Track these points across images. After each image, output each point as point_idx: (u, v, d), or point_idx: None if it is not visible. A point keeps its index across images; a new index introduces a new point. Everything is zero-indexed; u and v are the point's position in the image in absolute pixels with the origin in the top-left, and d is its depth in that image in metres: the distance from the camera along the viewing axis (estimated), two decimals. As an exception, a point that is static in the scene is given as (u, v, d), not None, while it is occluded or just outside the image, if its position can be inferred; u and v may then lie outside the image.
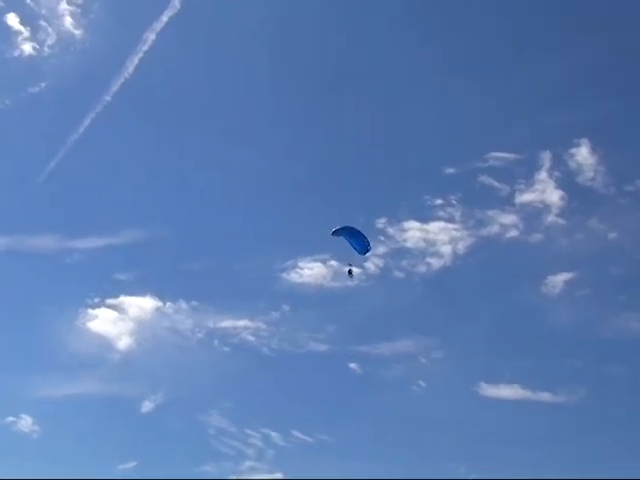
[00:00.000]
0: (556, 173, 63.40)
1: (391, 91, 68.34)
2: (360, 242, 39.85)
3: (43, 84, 66.79)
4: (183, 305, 62.86)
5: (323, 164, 69.58)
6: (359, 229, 40.04)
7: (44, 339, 62.44)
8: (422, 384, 59.70)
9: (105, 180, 69.46)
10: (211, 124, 69.88)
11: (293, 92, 69.40)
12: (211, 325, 62.23)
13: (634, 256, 61.95)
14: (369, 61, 69.50)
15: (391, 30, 68.86)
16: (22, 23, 66.05)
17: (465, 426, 56.81)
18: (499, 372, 59.40)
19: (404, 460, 55.78)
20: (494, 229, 63.09)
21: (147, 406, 59.01)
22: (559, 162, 63.35)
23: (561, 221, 62.87)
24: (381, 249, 62.21)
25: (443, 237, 63.27)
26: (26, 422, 58.16)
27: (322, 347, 61.16)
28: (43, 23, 66.37)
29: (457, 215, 63.75)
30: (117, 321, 62.22)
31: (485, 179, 63.80)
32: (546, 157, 63.49)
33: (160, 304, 62.64)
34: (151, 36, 63.40)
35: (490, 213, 63.50)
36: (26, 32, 66.17)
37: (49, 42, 66.05)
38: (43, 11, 66.61)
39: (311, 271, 62.92)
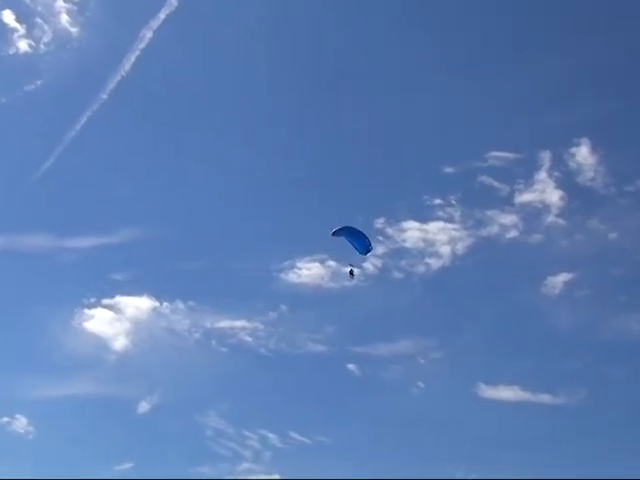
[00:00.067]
0: (556, 173, 63.60)
1: (390, 90, 68.47)
2: (361, 242, 39.78)
3: (39, 82, 66.66)
4: (180, 305, 62.87)
5: (321, 163, 69.81)
6: (359, 229, 39.92)
7: (39, 339, 62.47)
8: (421, 385, 59.82)
9: (101, 179, 69.34)
10: (208, 123, 69.98)
11: (291, 90, 69.47)
12: (208, 325, 62.24)
13: (634, 257, 62.16)
14: (368, 60, 69.71)
15: (390, 29, 69.10)
16: (18, 20, 66.09)
17: (464, 428, 56.84)
18: (498, 373, 59.48)
19: (403, 462, 55.72)
20: (494, 229, 63.21)
21: (143, 407, 59.01)
22: (559, 162, 63.58)
23: (561, 221, 63.04)
24: (380, 249, 62.12)
25: (442, 237, 63.36)
26: (21, 423, 58.10)
27: (320, 348, 61.25)
28: (39, 20, 66.33)
29: (456, 215, 63.85)
30: (113, 321, 62.21)
31: (485, 179, 63.95)
32: (546, 157, 63.69)
33: (157, 304, 62.68)
34: (148, 34, 63.48)
35: (490, 213, 63.63)
36: (22, 29, 66.25)
37: (45, 40, 66.10)
38: (39, 8, 66.65)
39: (309, 271, 63.06)
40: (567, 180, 63.21)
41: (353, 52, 69.49)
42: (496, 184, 63.54)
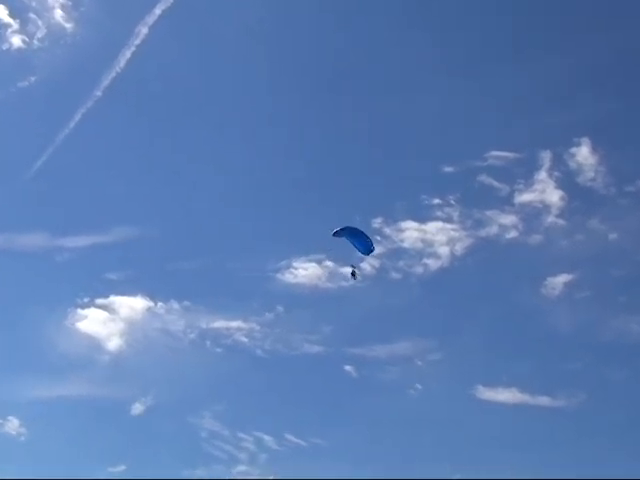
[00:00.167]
0: (556, 173, 63.61)
1: (389, 89, 68.57)
2: (363, 242, 39.66)
3: (33, 78, 66.55)
4: (175, 305, 62.78)
5: (318, 162, 69.69)
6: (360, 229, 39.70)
7: (32, 339, 62.20)
8: (419, 387, 59.78)
9: (96, 177, 69.35)
10: (204, 121, 69.87)
11: (288, 89, 69.34)
12: (203, 326, 62.20)
13: (635, 257, 62.19)
14: (367, 59, 69.82)
15: (389, 29, 69.13)
16: (11, 15, 65.89)
17: (462, 430, 56.80)
18: (497, 375, 59.50)
19: (400, 465, 55.51)
20: (493, 230, 63.16)
21: (137, 408, 58.92)
22: (559, 162, 63.60)
23: (561, 222, 62.99)
24: (377, 249, 60.10)
25: (441, 237, 63.28)
26: (13, 424, 57.99)
27: (317, 349, 61.21)
28: (33, 16, 66.17)
29: (455, 215, 63.79)
30: (107, 321, 62.11)
31: (484, 179, 63.89)
32: (546, 157, 63.70)
33: (151, 304, 62.52)
34: (143, 30, 63.29)
35: (489, 213, 63.56)
36: (15, 25, 66.07)
37: (39, 35, 65.90)
38: (33, 3, 66.51)
39: (306, 271, 62.94)
40: (567, 180, 63.41)
41: (352, 51, 69.88)
42: (496, 184, 63.69)
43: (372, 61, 69.13)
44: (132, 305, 62.22)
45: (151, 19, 62.81)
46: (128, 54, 63.12)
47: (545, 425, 56.70)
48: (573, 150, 63.13)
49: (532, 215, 62.86)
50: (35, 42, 65.60)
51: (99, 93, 63.77)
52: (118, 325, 61.80)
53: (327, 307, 63.14)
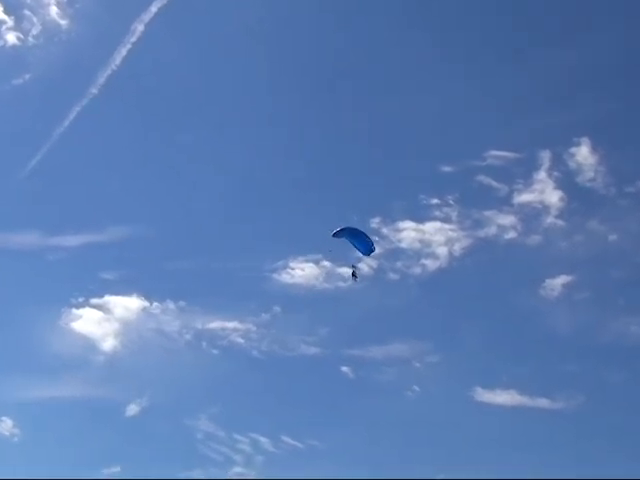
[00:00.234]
0: (556, 173, 63.74)
1: (388, 88, 68.74)
2: (364, 243, 39.88)
3: (27, 75, 66.79)
4: (170, 305, 62.66)
5: (316, 161, 69.79)
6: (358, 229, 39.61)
7: (26, 339, 62.11)
8: (416, 389, 59.73)
9: (91, 175, 69.43)
10: (200, 119, 69.99)
11: (286, 87, 69.42)
12: (199, 326, 62.15)
13: (635, 259, 62.27)
14: (365, 58, 70.07)
15: (389, 28, 69.27)
16: (6, 12, 66.01)
17: (460, 433, 56.66)
18: (495, 377, 59.41)
19: (397, 467, 55.26)
20: (491, 230, 63.14)
21: (132, 409, 58.78)
22: (559, 162, 63.75)
23: (560, 222, 62.99)
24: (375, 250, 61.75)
25: (439, 238, 63.24)
26: (6, 425, 57.91)
27: (313, 350, 61.06)
28: (28, 12, 66.43)
29: (454, 215, 63.88)
30: (102, 321, 62.00)
31: (483, 178, 63.96)
32: (545, 156, 63.86)
33: (147, 304, 62.37)
34: (139, 27, 63.52)
35: (487, 213, 63.59)
36: (10, 21, 66.31)
37: (34, 32, 66.05)
38: (28, 0, 66.65)
39: (303, 272, 62.88)
40: (567, 180, 63.55)
41: (351, 51, 70.21)
42: (494, 184, 63.79)
43: (370, 61, 69.70)
44: (127, 305, 62.38)
45: (147, 16, 63.24)
46: (124, 51, 63.50)
47: (544, 427, 56.78)
48: (573, 150, 63.51)
49: (531, 216, 63.11)
50: (30, 39, 66.07)
51: (94, 91, 64.16)
52: (113, 325, 61.87)
53: (324, 308, 63.22)
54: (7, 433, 57.33)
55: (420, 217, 63.64)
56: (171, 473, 55.49)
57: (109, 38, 65.75)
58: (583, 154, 62.90)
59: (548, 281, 60.81)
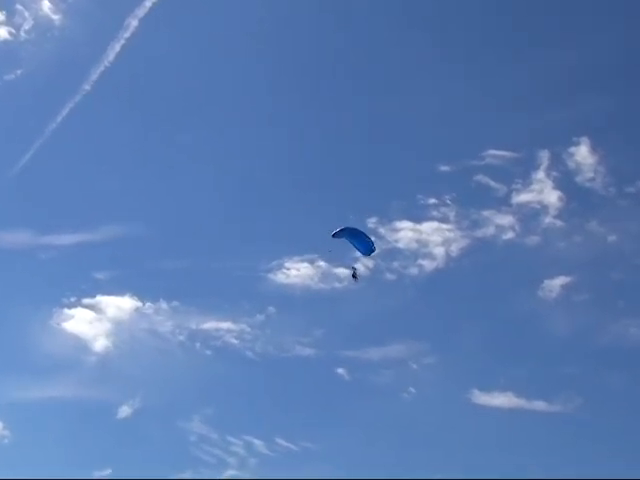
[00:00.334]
0: (554, 173, 63.78)
1: (386, 87, 68.95)
2: (364, 243, 39.96)
3: (19, 71, 66.83)
4: (163, 305, 62.62)
5: (312, 161, 69.98)
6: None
7: (16, 339, 61.91)
8: (412, 391, 59.66)
9: (83, 174, 69.53)
10: (195, 117, 70.02)
11: (284, 86, 69.57)
12: (193, 327, 62.06)
13: (634, 260, 62.24)
14: (363, 58, 70.27)
15: (388, 28, 69.50)
16: None
17: (457, 435, 56.67)
18: (493, 379, 59.39)
19: (393, 469, 55.07)
20: (489, 230, 63.14)
21: (124, 411, 58.68)
22: (558, 161, 63.85)
23: (559, 223, 63.01)
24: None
25: (436, 238, 63.28)
26: None
27: (309, 351, 61.01)
28: (19, 7, 66.50)
29: (451, 215, 63.94)
30: (94, 321, 61.92)
31: (481, 178, 64.01)
32: (544, 156, 63.92)
33: (139, 304, 62.42)
34: (133, 22, 63.52)
35: (485, 214, 63.58)
36: (1, 16, 66.41)
37: (26, 27, 66.11)
38: None
39: (298, 272, 62.88)
40: (566, 180, 63.63)
41: (349, 51, 70.41)
42: (493, 184, 63.84)
43: (369, 60, 69.92)
44: (120, 305, 62.29)
45: (141, 11, 63.32)
46: (117, 47, 63.48)
47: (541, 430, 56.72)
48: (572, 150, 63.66)
49: (529, 216, 63.21)
50: (22, 34, 66.20)
51: (87, 87, 64.14)
52: (105, 325, 61.76)
53: (320, 308, 63.25)
54: (-3, 434, 57.73)
55: (417, 217, 63.97)
56: (163, 476, 55.52)
57: (102, 34, 66.11)
58: (582, 154, 63.27)
59: (546, 282, 61.00)
